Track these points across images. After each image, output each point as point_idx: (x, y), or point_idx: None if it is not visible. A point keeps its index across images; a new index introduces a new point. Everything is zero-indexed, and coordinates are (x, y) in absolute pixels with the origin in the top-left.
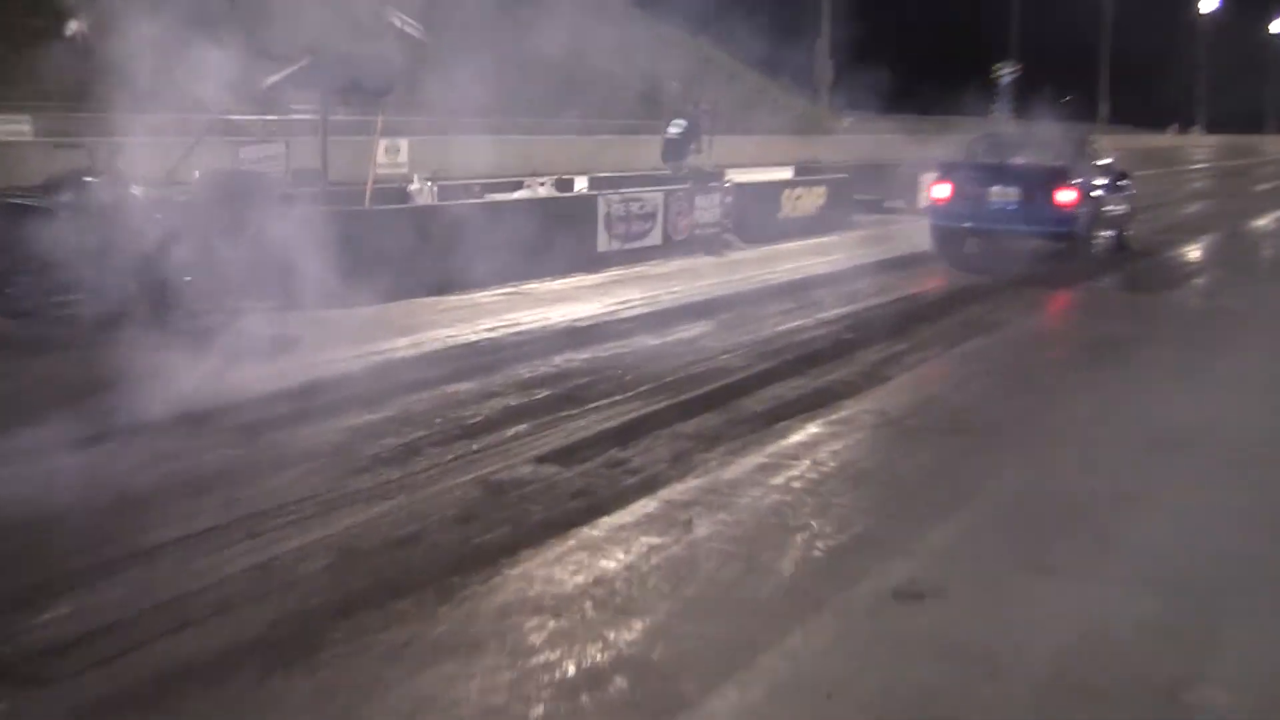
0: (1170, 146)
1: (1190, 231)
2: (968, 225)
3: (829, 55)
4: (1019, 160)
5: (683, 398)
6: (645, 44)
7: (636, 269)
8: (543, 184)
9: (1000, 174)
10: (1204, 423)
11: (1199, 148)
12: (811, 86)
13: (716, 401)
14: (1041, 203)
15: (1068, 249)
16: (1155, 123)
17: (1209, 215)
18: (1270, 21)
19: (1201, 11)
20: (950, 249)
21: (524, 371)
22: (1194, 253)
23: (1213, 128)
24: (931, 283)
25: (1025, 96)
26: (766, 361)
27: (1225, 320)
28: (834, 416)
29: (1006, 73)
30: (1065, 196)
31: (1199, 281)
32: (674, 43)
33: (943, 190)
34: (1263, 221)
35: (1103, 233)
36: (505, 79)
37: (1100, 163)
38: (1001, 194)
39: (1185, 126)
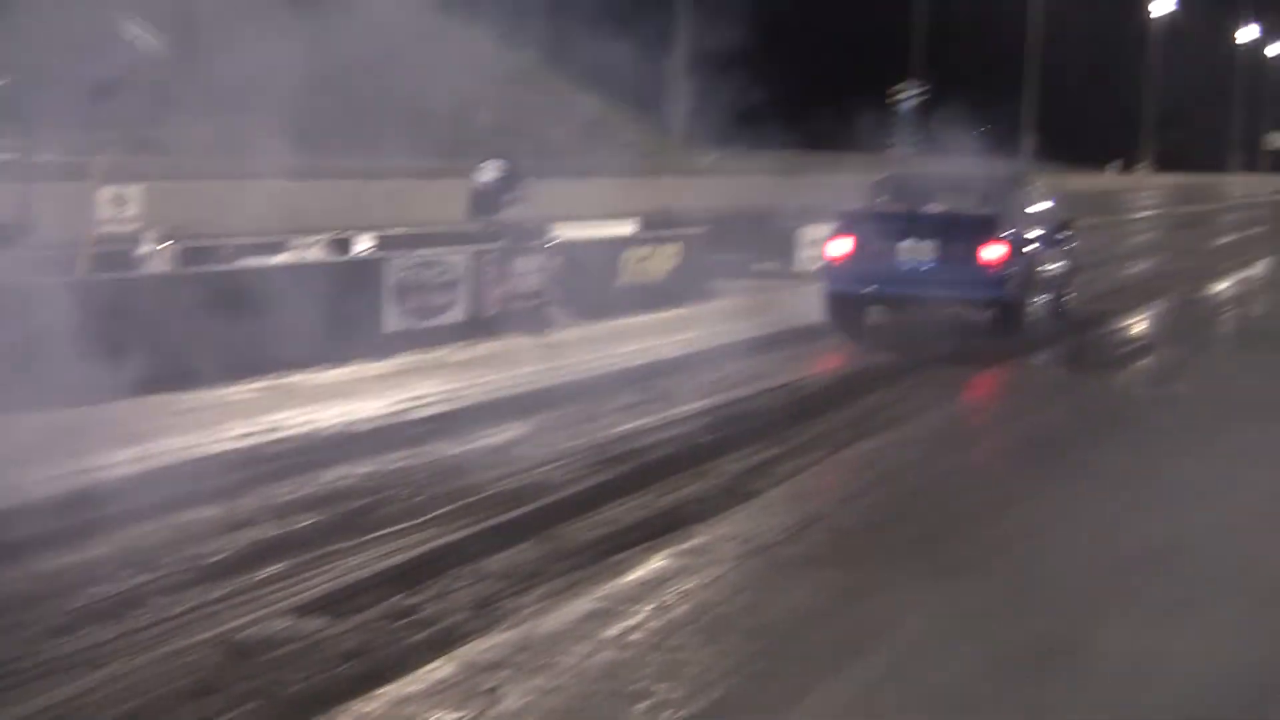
0: (1111, 189)
1: (1137, 297)
2: (871, 290)
3: (685, 74)
4: (935, 208)
5: (490, 524)
6: (452, 59)
7: (434, 354)
8: (313, 244)
9: (912, 225)
10: (1160, 549)
11: (1146, 190)
12: (663, 115)
13: (534, 528)
14: (963, 261)
15: (995, 318)
16: (1092, 159)
17: (1159, 276)
18: (1236, 29)
19: (1152, 15)
20: (849, 320)
21: (283, 492)
22: (1141, 324)
23: (1164, 165)
24: (819, 365)
25: (933, 125)
26: (600, 474)
27: (1179, 411)
28: (685, 545)
29: (909, 95)
30: (993, 253)
31: (1147, 361)
32: (487, 57)
33: (841, 246)
34: (1222, 285)
35: (1037, 298)
36: (271, 106)
37: (1036, 210)
38: (913, 250)
39: (1130, 164)
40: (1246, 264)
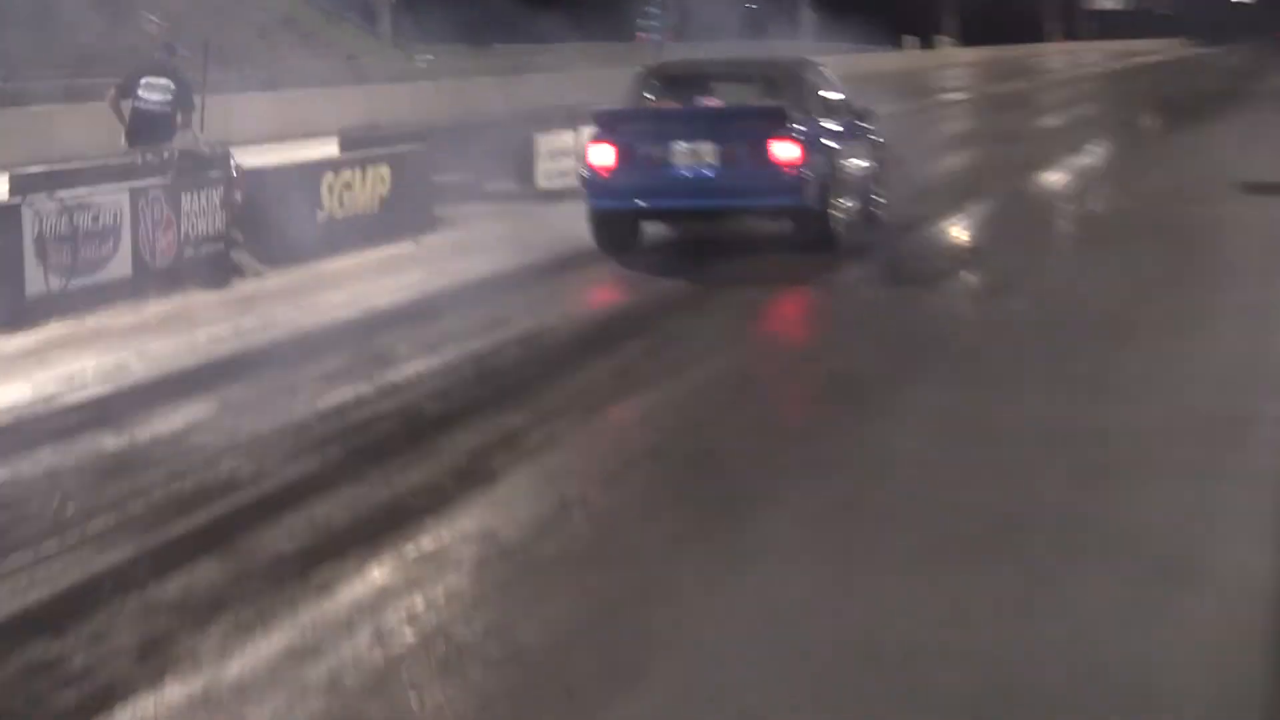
0: (911, 69)
1: (956, 196)
2: (642, 204)
3: None
4: (711, 103)
5: (160, 538)
6: None
7: (91, 321)
8: None
9: (687, 124)
10: (996, 517)
11: (952, 68)
12: (369, 10)
13: (215, 540)
14: (750, 163)
15: (795, 229)
16: (885, 36)
17: (979, 170)
18: None
19: None
20: (617, 241)
21: None
22: (964, 228)
23: (970, 37)
24: (577, 303)
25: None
26: (300, 463)
27: (1014, 334)
28: (411, 550)
29: None
30: (785, 152)
31: (974, 274)
32: None
33: (602, 155)
34: (1052, 177)
35: (843, 201)
36: None
37: (831, 98)
38: (690, 154)
39: (929, 39)
40: (1077, 150)
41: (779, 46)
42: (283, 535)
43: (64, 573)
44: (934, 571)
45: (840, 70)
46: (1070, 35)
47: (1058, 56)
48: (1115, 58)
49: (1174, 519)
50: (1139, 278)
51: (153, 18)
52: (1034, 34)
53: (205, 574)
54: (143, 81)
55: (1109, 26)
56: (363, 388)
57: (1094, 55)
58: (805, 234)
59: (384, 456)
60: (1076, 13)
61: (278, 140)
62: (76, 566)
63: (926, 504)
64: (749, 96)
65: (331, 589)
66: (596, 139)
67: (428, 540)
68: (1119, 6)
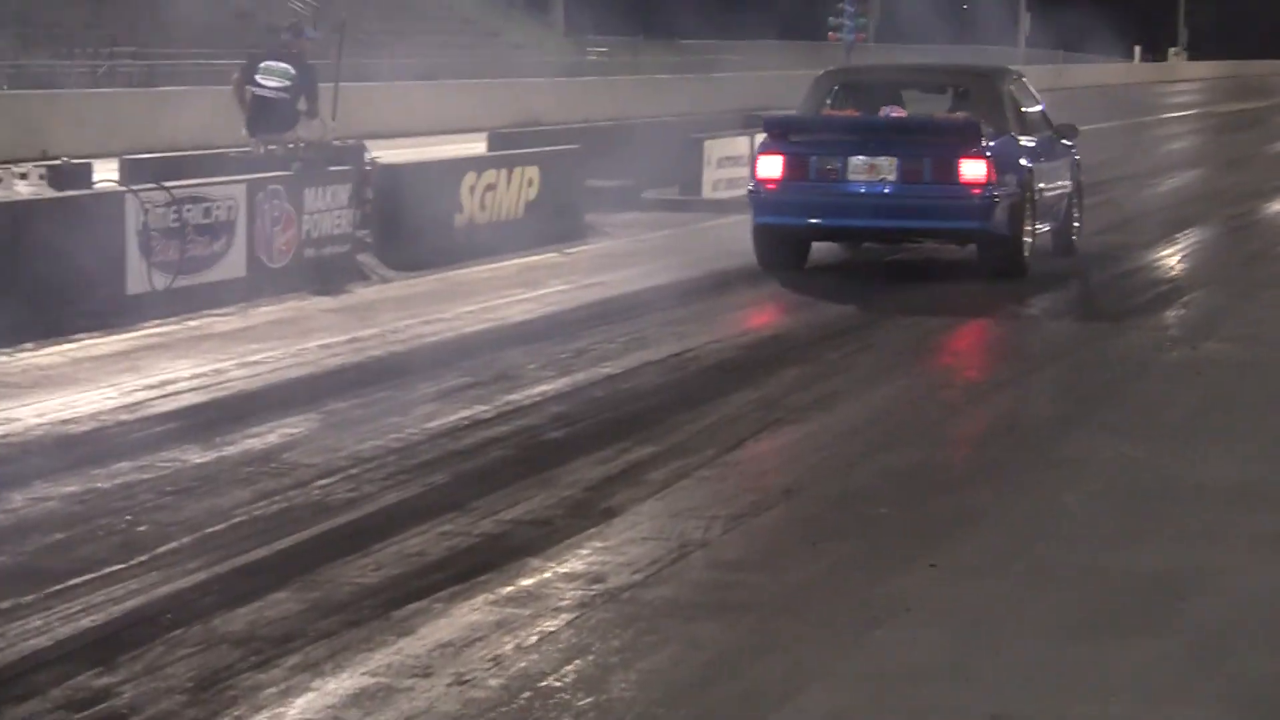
0: (1134, 82)
1: (1166, 224)
2: (814, 222)
3: None
4: (896, 113)
5: (235, 564)
6: None
7: (195, 322)
8: (24, 175)
9: (866, 136)
10: (1161, 589)
11: (1180, 83)
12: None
13: (296, 569)
14: (935, 181)
15: (981, 255)
16: (1107, 44)
17: (1196, 196)
18: None
19: None
20: (784, 261)
21: None
22: (1170, 261)
23: (1201, 50)
24: (732, 326)
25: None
26: (401, 488)
27: (1209, 384)
28: (508, 589)
29: None
30: (975, 171)
31: (1174, 312)
32: None
33: (772, 166)
34: (1278, 208)
35: (1035, 226)
36: None
37: (1029, 112)
38: (868, 169)
39: (1156, 50)
40: None
41: (988, 52)
42: (368, 566)
43: (124, 597)
44: (1083, 641)
45: (1047, 83)
46: None
47: None
48: None
49: None
50: None
51: None
52: (1275, 49)
53: (277, 606)
54: (262, 65)
55: None
56: (480, 409)
57: None
58: (992, 261)
59: (493, 485)
60: None
61: (427, 135)
62: (139, 591)
63: (1085, 566)
64: (939, 108)
65: (413, 627)
66: (766, 148)
67: (528, 579)
68: None
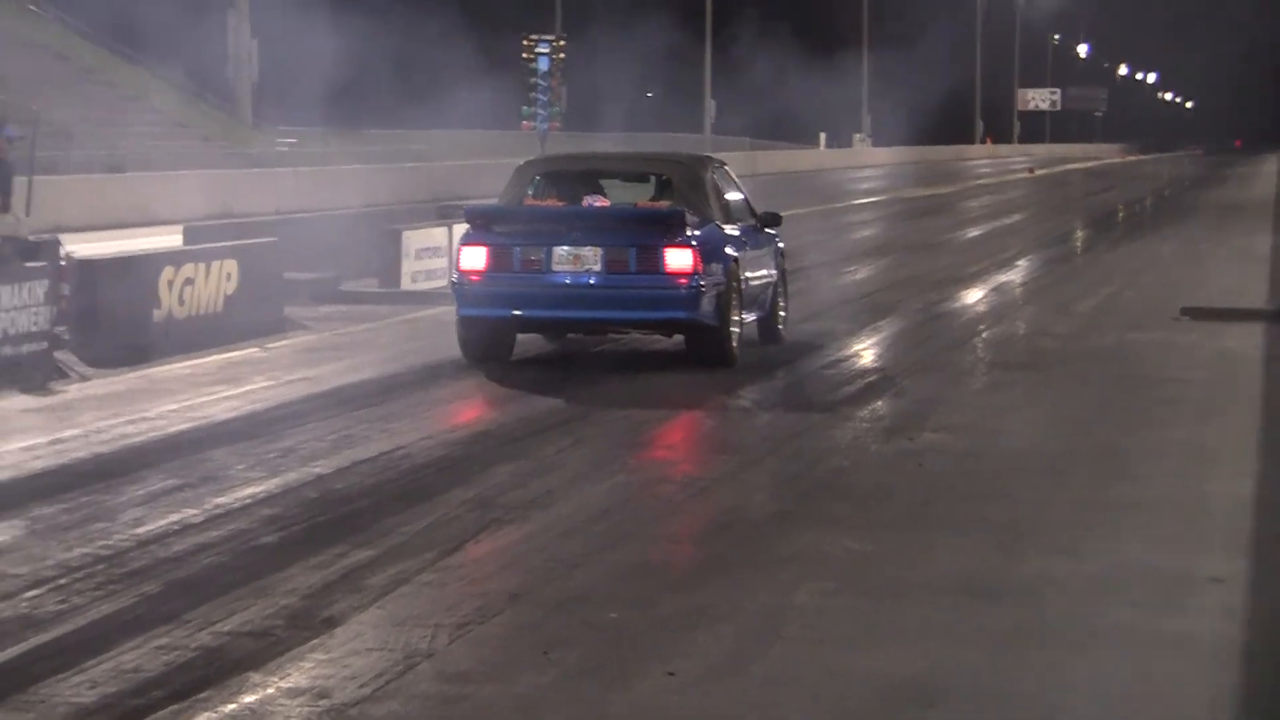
0: (820, 169)
1: (868, 312)
2: (518, 314)
3: (250, 36)
4: (599, 202)
5: None
6: None
7: None
8: None
9: (570, 226)
10: (901, 693)
11: (867, 168)
12: (226, 91)
13: (8, 688)
14: (640, 271)
15: (688, 345)
16: (794, 134)
17: (894, 284)
18: None
19: None
20: (489, 353)
21: None
22: (875, 349)
23: (888, 137)
24: (439, 422)
25: (582, 91)
26: (111, 599)
27: (930, 475)
28: (230, 707)
29: (543, 52)
30: (680, 260)
31: (886, 401)
32: None
33: (474, 257)
34: (974, 294)
35: (742, 315)
36: None
37: (733, 200)
38: (573, 259)
39: (843, 138)
40: (1002, 265)
41: (677, 140)
42: (82, 685)
43: None
44: None
45: (741, 168)
46: (999, 138)
47: (984, 161)
48: (1046, 163)
49: (1105, 696)
50: (1068, 411)
51: None
52: (961, 136)
53: None
54: None
55: (1039, 129)
56: (189, 512)
57: (1025, 161)
58: (699, 351)
59: (208, 594)
60: (1006, 114)
61: (120, 228)
62: None
63: (827, 669)
64: (642, 197)
65: None
66: (468, 239)
67: (250, 695)
68: (1052, 108)
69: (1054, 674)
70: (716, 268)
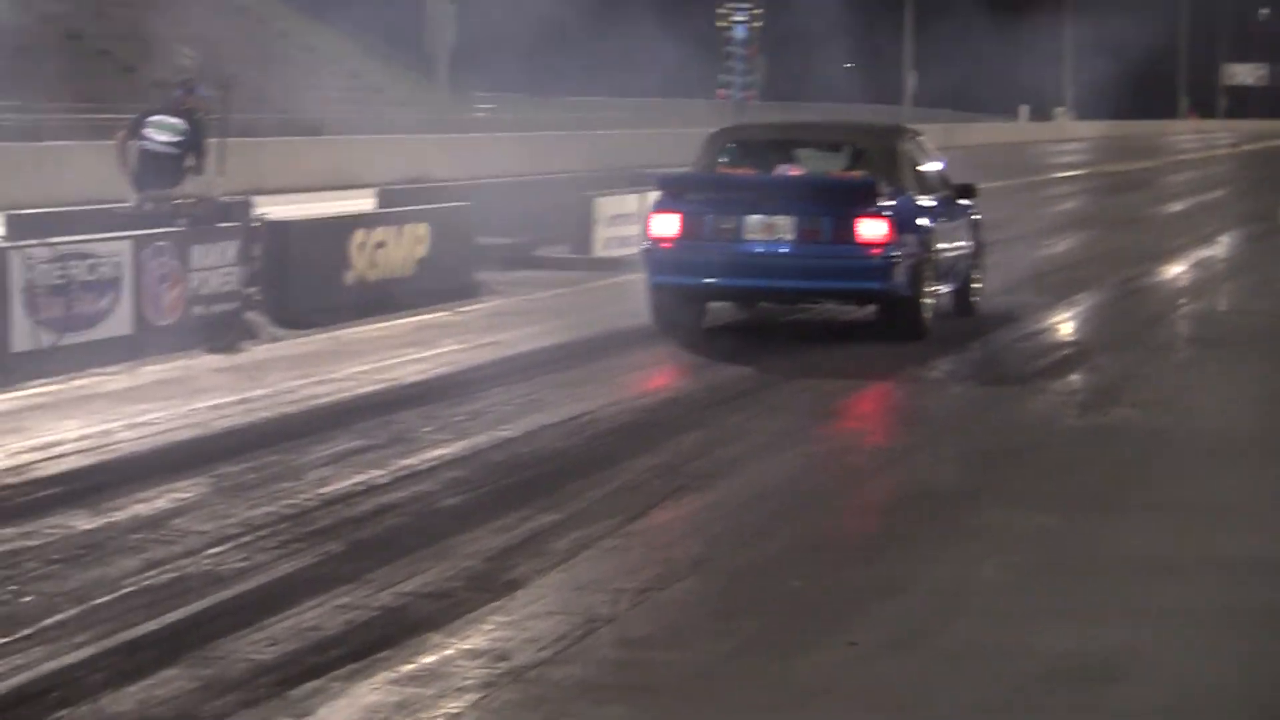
0: (1020, 142)
1: (1063, 285)
2: (710, 282)
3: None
4: (792, 172)
5: (122, 638)
6: None
7: (81, 381)
8: None
9: (763, 195)
10: (1082, 670)
11: (1068, 143)
12: (422, 52)
13: (186, 645)
14: (834, 241)
15: (880, 316)
16: (994, 104)
17: (1091, 257)
18: None
19: None
20: (679, 321)
21: None
22: (1070, 323)
23: (1091, 110)
24: (628, 389)
25: (779, 60)
26: (294, 558)
27: (1118, 450)
28: (409, 667)
29: (740, 20)
30: (873, 230)
31: (1079, 376)
32: None
33: (666, 225)
34: (1175, 268)
35: (935, 287)
36: None
37: (928, 171)
38: (765, 228)
39: (1043, 109)
40: (1203, 240)
41: (875, 111)
42: (262, 642)
43: (8, 675)
44: None
45: (938, 140)
46: (1203, 112)
47: (1188, 135)
48: (1252, 138)
49: None
50: (1266, 390)
51: (187, 50)
52: (1162, 109)
53: (169, 684)
54: (152, 120)
55: (1245, 105)
56: (375, 473)
57: (1228, 136)
58: (891, 322)
59: (391, 555)
60: (1213, 86)
61: (314, 190)
62: (24, 668)
63: (1009, 645)
64: (836, 166)
65: (310, 708)
66: (661, 206)
67: (429, 656)
68: (1259, 83)
69: (1239, 655)
70: (910, 238)
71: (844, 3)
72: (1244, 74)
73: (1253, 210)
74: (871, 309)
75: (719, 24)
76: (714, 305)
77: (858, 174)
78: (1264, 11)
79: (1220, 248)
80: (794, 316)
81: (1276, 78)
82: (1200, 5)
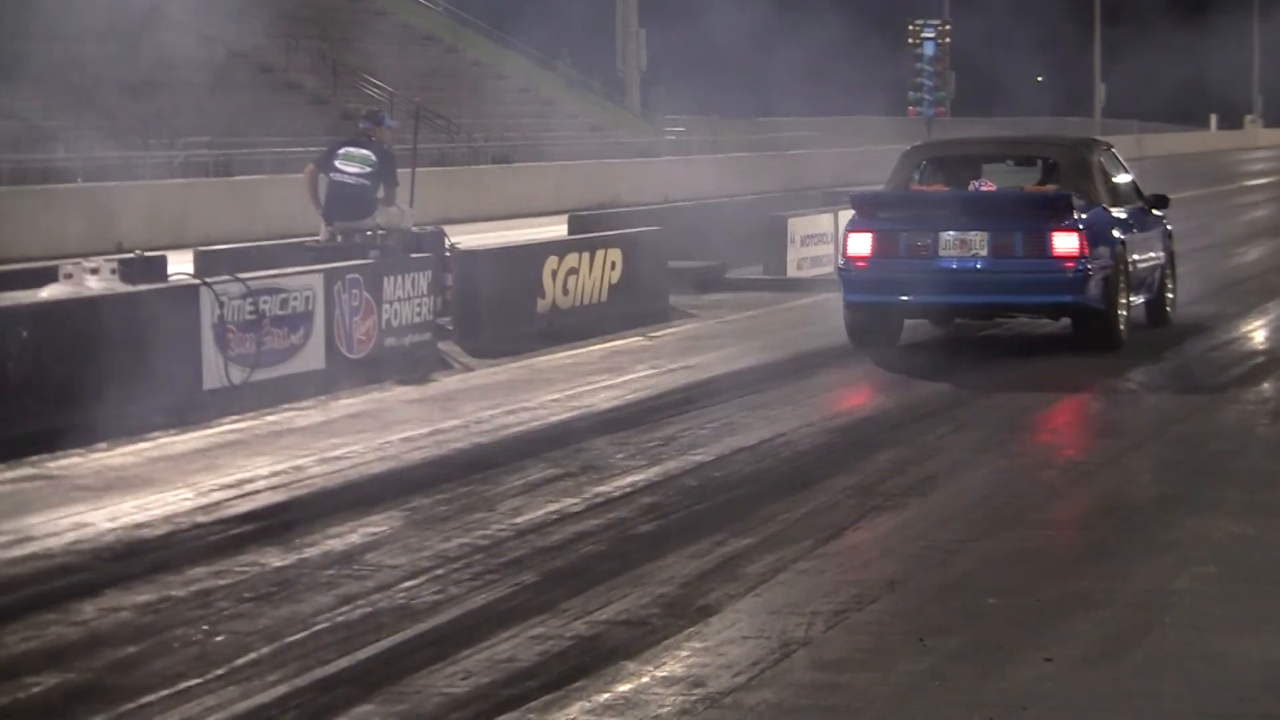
0: (1210, 150)
1: (1256, 293)
2: (905, 300)
3: (638, 25)
4: (986, 187)
5: (317, 675)
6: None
7: (274, 417)
8: (95, 269)
9: (956, 211)
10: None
11: (1258, 150)
12: (616, 76)
13: (381, 678)
14: (1027, 255)
15: (1075, 329)
16: (1182, 113)
17: None
18: None
19: None
20: (875, 338)
21: (14, 640)
22: (1266, 330)
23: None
24: (825, 408)
25: (967, 75)
26: (488, 589)
27: None
28: (606, 695)
29: (929, 36)
30: (1067, 244)
31: (1269, 384)
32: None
33: (861, 243)
34: None
35: (1129, 299)
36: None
37: (1120, 182)
38: (959, 244)
39: (1233, 117)
40: None
41: (1065, 123)
42: (456, 674)
43: (201, 716)
44: None
45: (1128, 151)
46: None
47: None
48: None
49: None
50: None
51: (375, 82)
52: None
53: (363, 718)
54: (341, 152)
55: None
56: (568, 502)
57: None
58: (1086, 335)
59: (585, 583)
60: None
61: (504, 219)
62: (217, 709)
63: (1206, 654)
64: (1028, 180)
65: None
66: (855, 225)
67: (624, 684)
68: None
69: None
70: (1103, 251)
71: (1032, 16)
72: None
73: None
74: (1066, 322)
75: (910, 40)
76: (910, 322)
77: (1050, 188)
78: None
79: None
80: (988, 331)
81: None
82: None
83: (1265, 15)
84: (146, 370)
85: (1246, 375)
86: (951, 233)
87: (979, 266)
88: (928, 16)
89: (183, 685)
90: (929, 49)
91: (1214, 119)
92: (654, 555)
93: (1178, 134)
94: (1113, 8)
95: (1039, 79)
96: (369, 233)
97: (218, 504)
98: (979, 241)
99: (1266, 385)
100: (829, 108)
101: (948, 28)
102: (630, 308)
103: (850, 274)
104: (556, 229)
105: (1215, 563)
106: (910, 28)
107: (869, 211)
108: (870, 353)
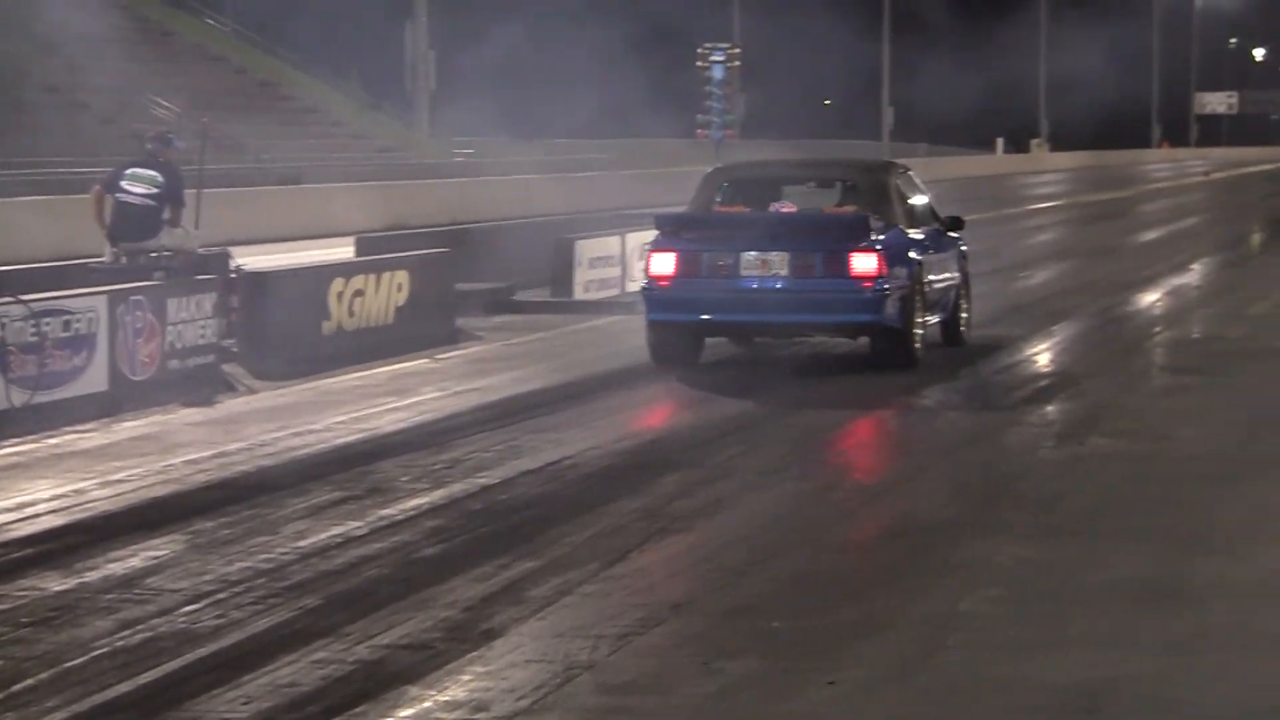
0: (998, 174)
1: (1045, 315)
2: (707, 319)
3: (428, 46)
4: (785, 208)
5: (95, 701)
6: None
7: (54, 440)
8: None
9: (758, 232)
10: (1072, 698)
11: (1044, 173)
12: (404, 97)
13: (160, 706)
14: (826, 275)
15: (872, 348)
16: (969, 136)
17: (1069, 288)
18: None
19: None
20: (678, 357)
21: None
22: (1052, 351)
23: (1066, 142)
24: (607, 431)
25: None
26: (271, 613)
27: (1100, 479)
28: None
29: (718, 60)
30: (866, 264)
31: (1062, 405)
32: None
33: (664, 263)
34: (1149, 297)
35: (925, 318)
36: None
37: (916, 203)
38: (760, 264)
39: (1018, 140)
40: (1178, 268)
41: (853, 146)
42: (237, 700)
43: None
44: None
45: (921, 173)
46: (1176, 141)
47: (1161, 164)
48: (1223, 166)
49: (1275, 702)
50: (1241, 416)
51: (163, 103)
52: (1135, 139)
53: None
54: (128, 172)
55: (1216, 133)
56: (352, 525)
57: (1201, 165)
58: (883, 353)
59: (368, 607)
60: (1182, 117)
61: (292, 240)
62: None
63: (990, 678)
64: (828, 202)
65: None
66: (658, 245)
67: (407, 709)
68: (1229, 112)
69: (1222, 681)
70: (901, 271)
71: (821, 40)
72: (1215, 102)
73: (1225, 237)
74: (864, 341)
75: (698, 64)
76: (711, 341)
77: (849, 210)
78: (1234, 41)
79: (1194, 275)
80: (789, 350)
81: (1246, 105)
82: (1172, 34)
83: (1051, 41)
84: None
85: (1033, 397)
86: (753, 253)
87: (779, 286)
88: (717, 39)
89: None
90: (718, 72)
91: (1000, 142)
92: (438, 579)
93: (966, 157)
94: (902, 34)
95: (826, 101)
96: (154, 254)
97: None
98: (780, 262)
99: (1051, 408)
100: (620, 130)
101: (737, 51)
102: (418, 330)
103: (653, 293)
104: (344, 250)
105: (999, 585)
106: (700, 51)
107: (672, 231)
108: (667, 372)
